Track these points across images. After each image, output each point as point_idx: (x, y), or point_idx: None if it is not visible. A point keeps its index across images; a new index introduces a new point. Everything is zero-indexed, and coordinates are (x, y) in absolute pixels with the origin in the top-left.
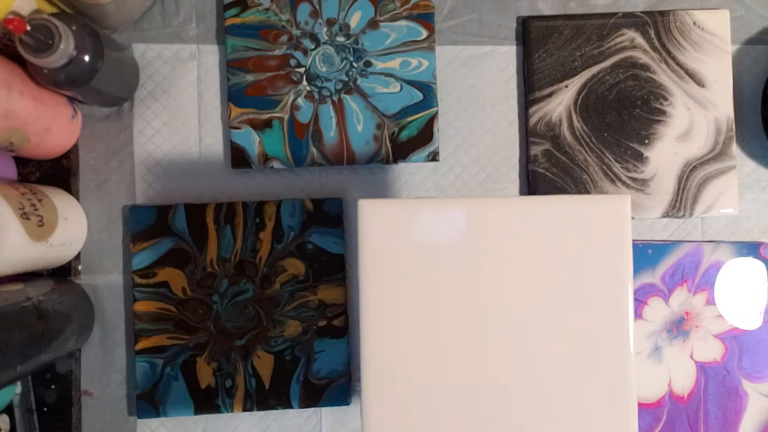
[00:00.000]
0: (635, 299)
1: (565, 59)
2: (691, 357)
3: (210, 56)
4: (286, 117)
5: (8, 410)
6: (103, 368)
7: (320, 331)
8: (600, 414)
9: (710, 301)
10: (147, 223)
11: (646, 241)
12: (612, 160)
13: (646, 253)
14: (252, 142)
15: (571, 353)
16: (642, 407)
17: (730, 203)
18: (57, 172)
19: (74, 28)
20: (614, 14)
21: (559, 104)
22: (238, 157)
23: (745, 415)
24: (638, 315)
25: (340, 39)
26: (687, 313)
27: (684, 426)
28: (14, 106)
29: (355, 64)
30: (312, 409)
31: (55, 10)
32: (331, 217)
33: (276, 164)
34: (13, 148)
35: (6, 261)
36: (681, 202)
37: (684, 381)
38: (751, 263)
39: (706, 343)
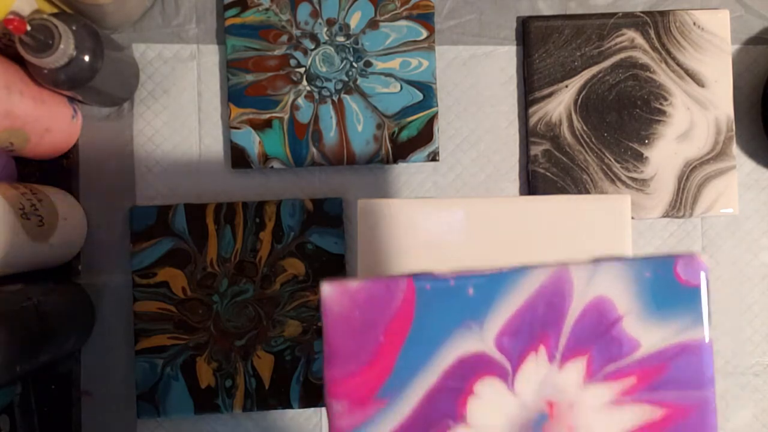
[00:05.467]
0: (446, 386)
1: (565, 59)
2: None
3: (210, 56)
4: (286, 117)
5: (8, 410)
6: (103, 368)
7: (320, 331)
8: None
9: (592, 375)
10: (147, 223)
11: (462, 273)
12: (612, 160)
13: (464, 295)
14: (252, 142)
15: None
16: None
17: (730, 203)
18: (57, 172)
19: (74, 28)
20: (614, 14)
21: (559, 104)
22: (238, 157)
23: None
24: (457, 417)
25: (340, 39)
26: (551, 405)
27: None
28: (14, 106)
29: (355, 64)
30: (312, 409)
31: (55, 10)
32: (331, 217)
33: (276, 164)
34: (13, 148)
35: (5, 261)
36: (681, 202)
37: None
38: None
39: None
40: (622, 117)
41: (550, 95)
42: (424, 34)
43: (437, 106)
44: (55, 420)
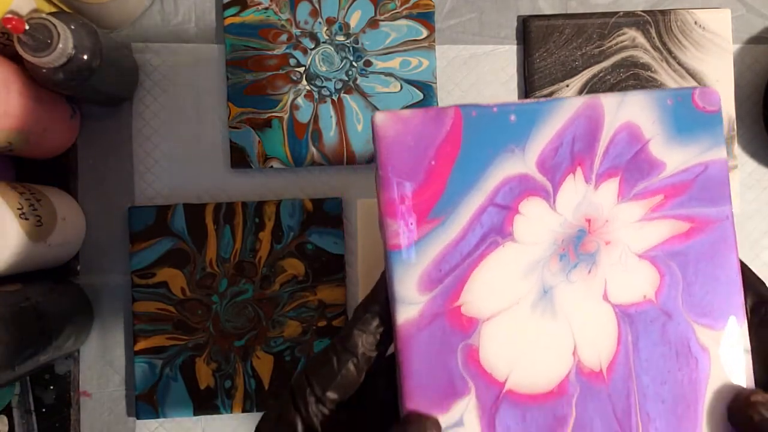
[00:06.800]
0: (494, 204)
1: (566, 58)
2: (606, 298)
3: (209, 55)
4: (286, 116)
5: (7, 411)
6: (102, 369)
7: (320, 331)
8: None
9: (624, 194)
10: (146, 223)
11: (503, 103)
12: None
13: (506, 122)
14: (251, 141)
15: None
16: (534, 401)
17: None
18: (56, 171)
19: (73, 27)
20: (615, 13)
21: None
22: (237, 157)
23: (708, 386)
24: (504, 233)
25: (340, 38)
26: (588, 221)
27: (608, 421)
28: (13, 106)
29: (354, 64)
30: None
31: (53, 9)
32: (331, 217)
33: (275, 164)
34: (11, 148)
35: (4, 261)
36: None
37: (599, 343)
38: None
39: (626, 271)
40: None
41: (550, 95)
42: (425, 33)
43: (437, 105)
44: (53, 421)
